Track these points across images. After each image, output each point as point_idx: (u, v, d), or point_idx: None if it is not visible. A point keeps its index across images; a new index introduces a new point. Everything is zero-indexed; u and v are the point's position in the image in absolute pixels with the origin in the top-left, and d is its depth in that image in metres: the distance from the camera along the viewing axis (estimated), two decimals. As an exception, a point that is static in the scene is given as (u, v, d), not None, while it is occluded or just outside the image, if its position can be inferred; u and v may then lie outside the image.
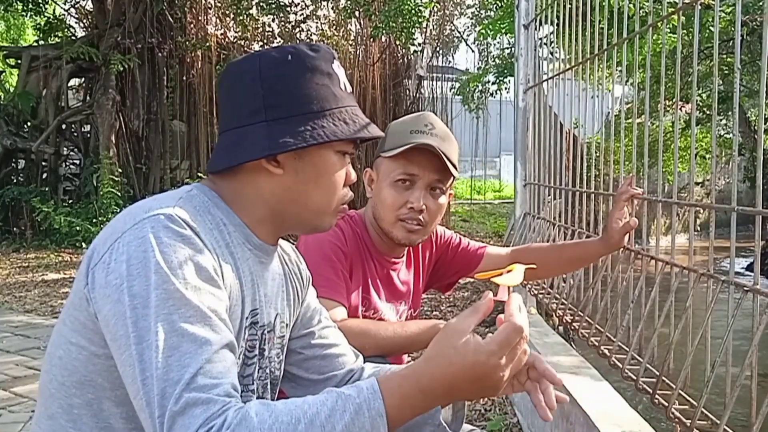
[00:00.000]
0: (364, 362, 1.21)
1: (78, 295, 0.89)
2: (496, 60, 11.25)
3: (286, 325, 1.10)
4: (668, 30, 1.98)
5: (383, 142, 1.59)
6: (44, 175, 9.74)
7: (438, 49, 12.71)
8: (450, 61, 14.09)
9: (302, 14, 10.93)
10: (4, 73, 11.59)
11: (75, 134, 10.21)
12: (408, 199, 1.54)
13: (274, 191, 0.99)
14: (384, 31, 8.53)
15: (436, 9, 9.92)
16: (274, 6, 9.67)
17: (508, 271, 0.95)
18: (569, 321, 2.29)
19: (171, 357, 0.79)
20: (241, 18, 9.89)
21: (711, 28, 3.40)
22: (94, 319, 0.87)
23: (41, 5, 9.96)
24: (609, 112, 2.59)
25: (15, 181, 9.66)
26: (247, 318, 0.98)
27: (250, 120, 0.96)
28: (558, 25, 2.70)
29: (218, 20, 11.13)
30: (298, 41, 10.81)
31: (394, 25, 8.27)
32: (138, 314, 0.81)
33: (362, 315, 1.59)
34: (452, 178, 1.59)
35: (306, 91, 0.97)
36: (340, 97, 1.00)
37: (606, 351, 1.92)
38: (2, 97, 10.39)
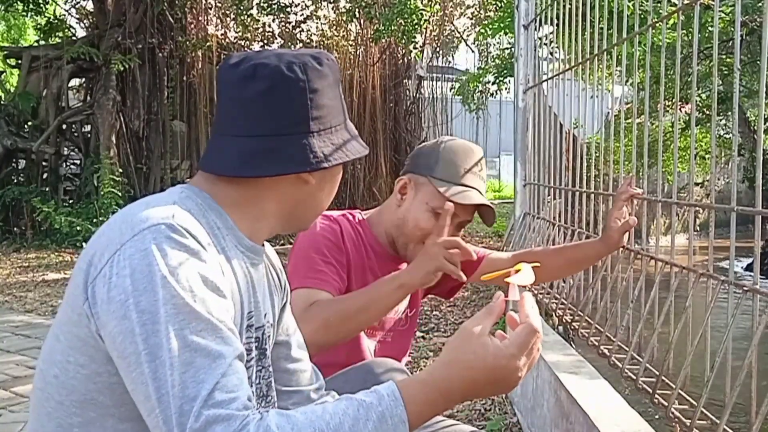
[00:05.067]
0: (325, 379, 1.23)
1: (76, 312, 0.86)
2: (496, 60, 11.25)
3: (272, 325, 1.10)
4: (668, 28, 1.98)
5: (433, 162, 1.60)
6: (45, 175, 9.75)
7: (438, 49, 12.72)
8: (450, 62, 14.09)
9: (302, 15, 10.94)
10: (4, 74, 11.59)
11: (75, 134, 10.22)
12: (439, 232, 1.51)
13: (296, 198, 1.01)
14: (385, 35, 8.54)
15: (436, 9, 9.92)
16: (274, 6, 9.68)
17: (516, 271, 0.95)
18: (569, 321, 2.29)
19: (186, 373, 0.78)
20: (241, 18, 9.91)
21: (710, 28, 3.40)
22: (96, 336, 0.84)
23: (42, 5, 9.98)
24: (609, 112, 2.59)
25: (15, 181, 9.67)
26: (244, 321, 0.97)
27: (289, 130, 0.96)
28: (558, 25, 2.70)
29: (219, 20, 11.15)
30: (298, 42, 10.83)
31: (395, 27, 8.27)
32: (148, 331, 0.79)
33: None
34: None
35: (335, 103, 1.01)
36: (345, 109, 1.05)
37: (606, 351, 1.92)
38: (3, 97, 10.40)
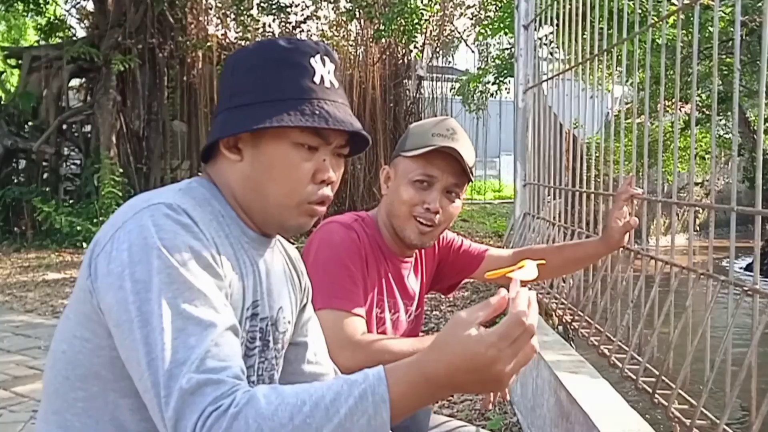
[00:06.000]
0: None
1: (81, 288, 0.90)
2: (496, 60, 11.25)
3: (289, 322, 1.10)
4: (668, 25, 1.98)
5: (403, 142, 1.60)
6: (45, 175, 9.75)
7: (438, 49, 12.73)
8: (450, 62, 14.11)
9: (303, 15, 10.94)
10: (5, 74, 11.60)
11: (76, 134, 10.22)
12: (425, 200, 1.54)
13: (236, 179, 1.00)
14: (386, 35, 8.54)
15: (435, 10, 9.93)
16: (274, 6, 9.69)
17: (520, 267, 0.94)
18: (569, 320, 2.30)
19: (177, 339, 0.80)
20: (241, 18, 9.91)
21: (710, 28, 3.40)
22: (97, 311, 0.88)
23: (42, 5, 9.99)
24: (609, 112, 2.59)
25: (16, 181, 9.67)
26: (248, 309, 0.99)
27: (221, 107, 1.00)
28: (558, 25, 2.70)
29: (219, 21, 11.15)
30: (298, 42, 10.82)
31: (395, 27, 8.28)
32: (141, 299, 0.82)
33: (377, 317, 1.58)
34: (467, 183, 1.60)
35: (267, 81, 0.97)
36: (308, 89, 0.97)
37: (606, 350, 1.92)
38: (3, 97, 10.40)
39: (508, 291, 0.88)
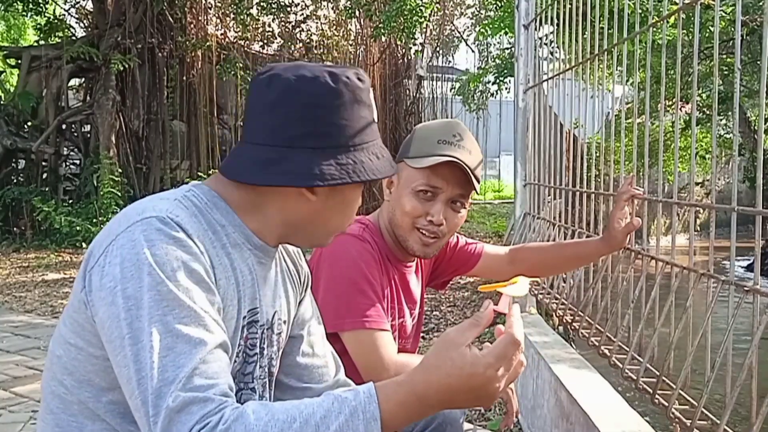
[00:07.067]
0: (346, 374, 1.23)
1: (77, 298, 0.91)
2: (496, 60, 11.25)
3: (284, 321, 1.10)
4: (669, 24, 1.98)
5: (407, 145, 1.55)
6: (44, 175, 9.75)
7: (438, 49, 12.74)
8: (450, 61, 14.12)
9: (302, 14, 10.94)
10: (4, 73, 11.60)
11: (75, 134, 10.22)
12: (428, 211, 1.49)
13: (300, 212, 1.00)
14: (385, 32, 8.54)
15: (436, 9, 9.93)
16: (274, 6, 9.68)
17: (512, 283, 0.95)
18: (569, 321, 2.29)
19: (166, 357, 0.80)
20: (241, 18, 9.91)
21: (711, 28, 3.40)
22: (91, 321, 0.89)
23: (41, 5, 9.98)
24: (609, 112, 2.58)
25: (15, 181, 9.67)
26: (245, 317, 0.98)
27: (294, 143, 0.94)
28: (558, 24, 2.70)
29: (218, 20, 11.15)
30: (298, 41, 10.84)
31: (394, 25, 8.28)
32: (132, 316, 0.83)
33: (389, 325, 1.57)
34: (473, 191, 1.56)
35: (352, 123, 0.97)
36: (374, 130, 1.01)
37: (606, 351, 1.92)
38: (2, 97, 10.40)
39: (492, 302, 0.90)
